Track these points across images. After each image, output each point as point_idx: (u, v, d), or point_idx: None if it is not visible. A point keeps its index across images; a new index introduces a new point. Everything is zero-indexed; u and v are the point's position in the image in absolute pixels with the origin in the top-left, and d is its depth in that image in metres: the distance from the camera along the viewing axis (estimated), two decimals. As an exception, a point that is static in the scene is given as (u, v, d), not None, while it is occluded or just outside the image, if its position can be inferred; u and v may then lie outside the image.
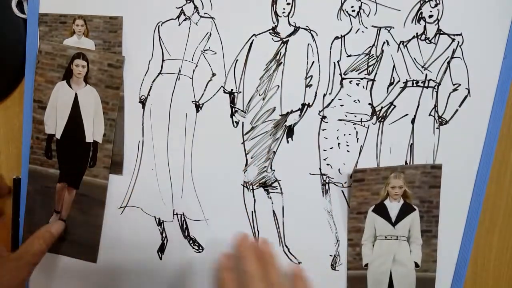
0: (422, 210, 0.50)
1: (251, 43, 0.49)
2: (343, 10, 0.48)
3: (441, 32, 0.48)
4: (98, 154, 0.51)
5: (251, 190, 0.52)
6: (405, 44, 0.49)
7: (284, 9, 0.48)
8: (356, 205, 0.51)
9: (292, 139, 0.51)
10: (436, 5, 0.47)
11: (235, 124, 0.51)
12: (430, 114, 0.50)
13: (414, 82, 0.49)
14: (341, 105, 0.50)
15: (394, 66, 0.49)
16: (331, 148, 0.51)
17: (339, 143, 0.51)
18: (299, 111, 0.50)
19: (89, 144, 0.51)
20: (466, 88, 0.49)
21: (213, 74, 0.50)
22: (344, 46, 0.49)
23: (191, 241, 0.54)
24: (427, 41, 0.48)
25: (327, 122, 0.51)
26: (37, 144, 0.52)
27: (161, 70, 0.51)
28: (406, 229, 0.50)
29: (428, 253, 0.51)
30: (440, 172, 0.49)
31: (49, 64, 0.50)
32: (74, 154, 0.52)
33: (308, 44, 0.49)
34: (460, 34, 0.48)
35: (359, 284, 0.52)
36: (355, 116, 0.50)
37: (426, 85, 0.49)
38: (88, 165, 0.52)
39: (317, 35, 0.49)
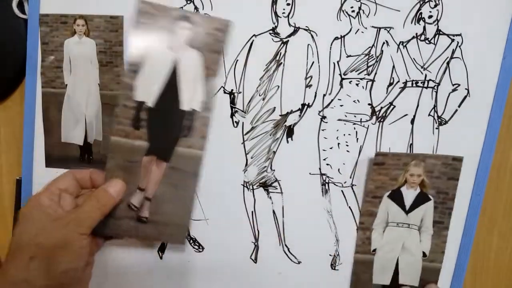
0: (437, 201, 0.50)
1: (251, 44, 0.50)
2: (343, 11, 0.48)
3: (441, 33, 0.48)
4: (195, 123, 0.47)
5: (251, 190, 0.52)
6: (404, 44, 0.49)
7: (284, 9, 0.49)
8: (373, 188, 0.50)
9: (292, 139, 0.51)
10: (435, 6, 0.48)
11: (235, 124, 0.51)
12: (429, 114, 0.50)
13: (414, 82, 0.49)
14: (341, 105, 0.50)
15: (393, 67, 0.49)
16: (330, 148, 0.51)
17: (338, 143, 0.51)
18: (299, 111, 0.50)
19: (184, 112, 0.47)
20: (466, 88, 0.49)
21: (213, 74, 0.51)
22: (344, 47, 0.49)
23: (191, 241, 0.54)
24: (426, 41, 0.48)
25: (326, 122, 0.51)
26: (124, 113, 0.46)
27: (161, 70, 0.51)
28: (418, 218, 0.50)
29: (437, 244, 0.51)
30: (460, 165, 0.49)
31: (150, 25, 0.46)
32: (167, 124, 0.47)
33: (308, 44, 0.49)
34: (460, 35, 0.48)
35: (365, 268, 0.52)
36: (355, 116, 0.50)
37: (425, 85, 0.49)
38: (182, 135, 0.47)
39: (317, 35, 0.49)
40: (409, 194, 0.50)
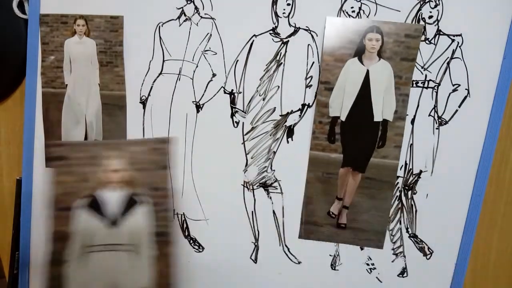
0: None
1: (252, 44, 0.50)
2: (343, 11, 0.48)
3: (441, 33, 0.48)
4: (388, 133, 0.48)
5: (251, 190, 0.52)
6: (405, 44, 0.49)
7: (284, 9, 0.49)
8: None
9: (292, 139, 0.51)
10: (435, 6, 0.47)
11: (235, 124, 0.51)
12: (429, 115, 0.50)
13: (414, 82, 0.49)
14: (341, 106, 0.50)
15: (394, 67, 0.49)
16: (331, 148, 0.51)
17: (339, 143, 0.51)
18: (299, 112, 0.50)
19: (377, 123, 0.48)
20: (466, 89, 0.49)
21: (214, 75, 0.51)
22: (344, 47, 0.49)
23: (191, 241, 0.54)
24: (427, 41, 0.48)
25: (327, 122, 0.51)
26: (320, 129, 0.49)
27: (161, 70, 0.51)
28: None
29: None
30: None
31: (339, 41, 0.47)
32: (360, 136, 0.48)
33: (308, 44, 0.49)
34: (460, 35, 0.48)
35: None
36: (355, 116, 0.50)
37: (426, 85, 0.49)
38: (376, 146, 0.49)
39: (317, 35, 0.49)
40: None
